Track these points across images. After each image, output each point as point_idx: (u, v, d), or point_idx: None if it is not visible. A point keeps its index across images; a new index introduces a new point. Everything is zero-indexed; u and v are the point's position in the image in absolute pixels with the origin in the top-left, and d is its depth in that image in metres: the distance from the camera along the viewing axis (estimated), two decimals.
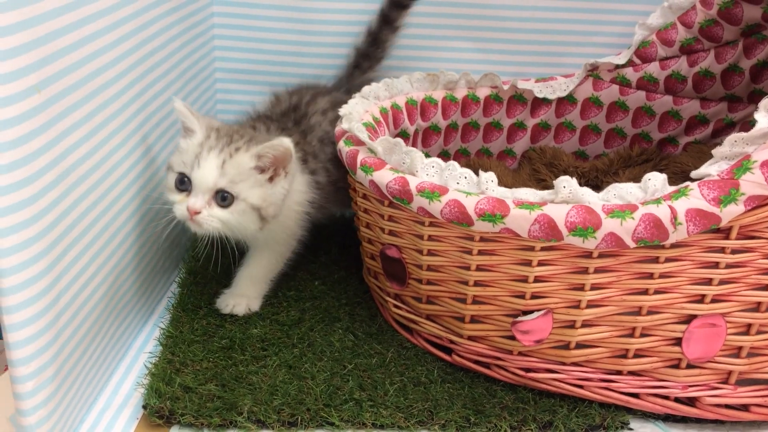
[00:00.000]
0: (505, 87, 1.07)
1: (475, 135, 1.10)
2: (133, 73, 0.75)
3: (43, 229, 0.58)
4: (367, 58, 1.07)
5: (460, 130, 1.08)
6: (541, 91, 1.07)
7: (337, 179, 0.92)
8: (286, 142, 0.76)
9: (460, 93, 1.06)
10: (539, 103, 1.09)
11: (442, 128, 1.06)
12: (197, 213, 0.75)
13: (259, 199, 0.77)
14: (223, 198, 0.75)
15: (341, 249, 1.04)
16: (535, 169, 1.08)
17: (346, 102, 0.90)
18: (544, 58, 1.11)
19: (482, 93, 1.07)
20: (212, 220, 0.75)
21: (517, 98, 1.08)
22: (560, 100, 1.08)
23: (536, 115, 1.10)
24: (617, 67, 1.05)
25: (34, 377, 0.59)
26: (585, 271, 0.69)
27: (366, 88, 0.95)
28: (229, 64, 1.11)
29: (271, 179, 0.78)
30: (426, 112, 1.03)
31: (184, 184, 0.76)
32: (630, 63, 1.05)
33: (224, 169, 0.75)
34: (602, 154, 1.11)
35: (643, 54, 1.03)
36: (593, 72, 1.07)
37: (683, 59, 1.02)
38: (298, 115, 0.93)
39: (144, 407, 0.71)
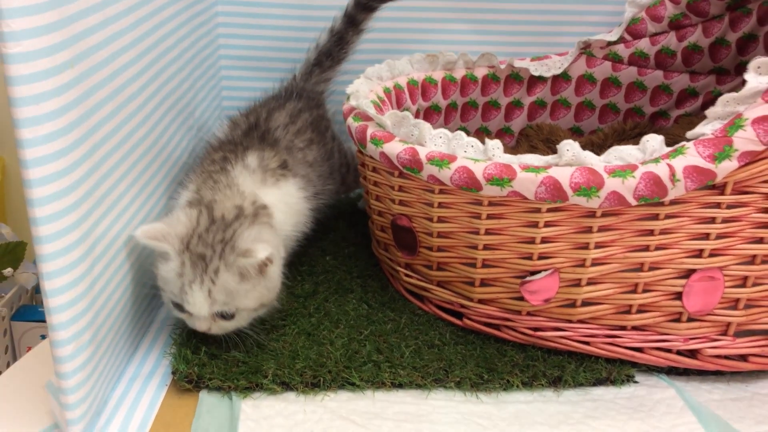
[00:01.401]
0: (502, 66, 1.11)
1: (474, 114, 1.14)
2: (148, 57, 0.78)
3: (78, 199, 0.61)
4: (329, 58, 1.06)
5: (460, 109, 1.12)
6: (536, 69, 1.11)
7: (316, 183, 0.92)
8: (260, 255, 0.71)
9: (459, 73, 1.10)
10: (535, 81, 1.13)
11: (443, 108, 1.10)
12: (208, 330, 0.75)
13: (257, 300, 0.75)
14: (224, 316, 0.74)
15: (349, 226, 1.07)
16: (533, 146, 1.12)
17: (301, 110, 0.94)
18: (539, 38, 1.15)
19: (480, 73, 1.11)
20: (224, 329, 0.75)
21: (514, 77, 1.12)
22: (555, 78, 1.12)
23: (532, 93, 1.14)
24: (609, 44, 1.09)
25: (73, 341, 0.62)
26: (589, 230, 0.73)
27: (369, 69, 0.99)
28: (233, 51, 1.15)
29: (261, 272, 0.74)
30: (427, 92, 1.07)
31: (182, 308, 0.74)
32: (621, 40, 1.09)
33: (213, 297, 0.72)
34: (597, 129, 1.15)
35: (633, 30, 1.07)
36: (586, 49, 1.10)
37: (672, 34, 1.06)
38: (259, 132, 0.90)
39: (173, 373, 0.74)
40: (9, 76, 0.53)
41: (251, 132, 0.90)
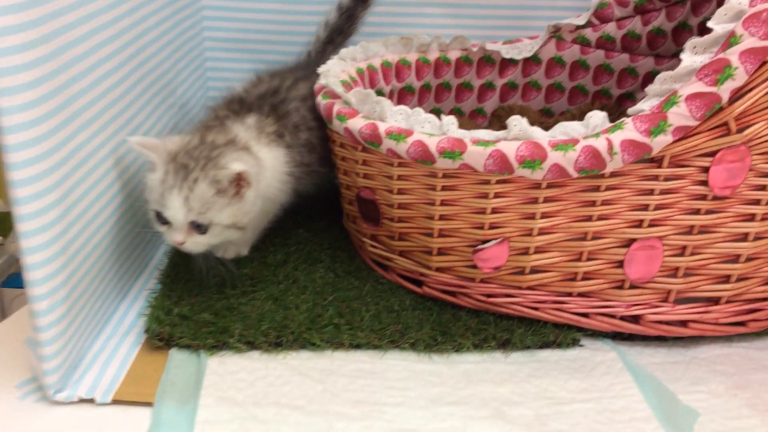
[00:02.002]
0: (475, 49, 1.15)
1: (448, 95, 1.18)
2: (127, 36, 0.83)
3: (54, 164, 0.66)
4: (340, 33, 1.09)
5: (434, 90, 1.16)
6: (508, 52, 1.15)
7: (309, 162, 0.95)
8: (233, 168, 0.79)
9: (433, 55, 1.14)
10: (507, 63, 1.17)
11: (416, 89, 1.14)
12: (182, 243, 0.81)
13: (231, 218, 0.81)
14: (198, 227, 0.80)
15: (324, 202, 1.12)
16: (504, 127, 1.16)
17: None
18: (511, 22, 1.20)
19: (453, 55, 1.15)
20: (197, 245, 0.82)
21: (486, 60, 1.16)
22: (526, 61, 1.17)
23: (504, 76, 1.18)
24: (578, 27, 1.13)
25: (48, 297, 0.68)
26: (535, 201, 0.78)
27: (343, 51, 1.03)
28: (218, 34, 1.19)
29: (237, 194, 0.81)
30: (400, 74, 1.11)
31: (162, 218, 0.80)
32: (589, 24, 1.12)
33: (189, 204, 0.78)
34: (566, 110, 1.19)
35: (601, 15, 1.11)
36: (556, 33, 1.14)
37: (637, 19, 1.10)
38: (276, 99, 0.94)
39: (146, 331, 0.80)
40: None
41: (267, 97, 0.94)
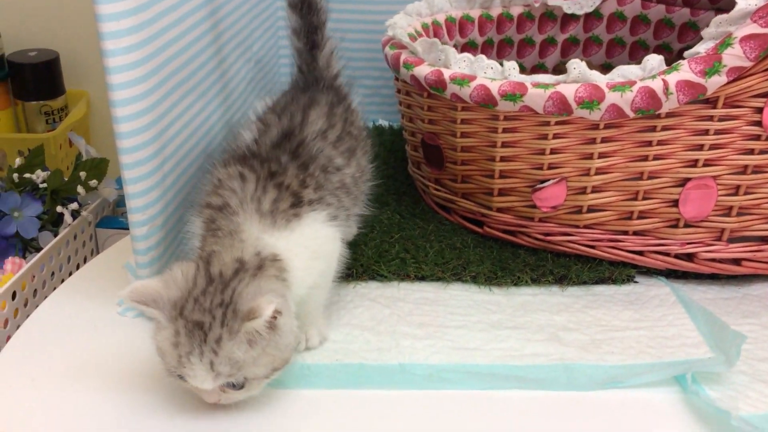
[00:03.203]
0: (537, 5, 1.18)
1: (510, 51, 1.22)
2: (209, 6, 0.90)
3: (150, 104, 0.74)
4: (315, 29, 0.87)
5: (496, 46, 1.20)
6: (569, 7, 1.18)
7: (348, 206, 0.79)
8: (266, 311, 0.59)
9: (495, 11, 1.18)
10: (568, 19, 1.20)
11: (479, 44, 1.18)
12: (218, 402, 0.65)
13: (269, 365, 0.63)
14: (233, 386, 0.63)
15: (389, 152, 1.18)
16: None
17: (336, 103, 0.83)
18: None
19: (516, 11, 1.19)
20: (237, 399, 0.65)
21: (548, 15, 1.20)
22: (588, 16, 1.19)
23: (566, 31, 1.21)
24: None
25: (147, 223, 0.76)
26: (593, 141, 0.81)
27: (409, 6, 1.08)
28: None
29: (270, 328, 0.62)
30: (464, 29, 1.15)
31: (186, 380, 0.63)
32: None
33: (216, 369, 0.60)
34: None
35: None
36: None
37: None
38: (293, 144, 0.75)
39: None
40: (98, 14, 0.66)
41: (283, 144, 0.75)
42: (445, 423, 0.66)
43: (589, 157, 0.82)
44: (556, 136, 0.82)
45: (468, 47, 1.17)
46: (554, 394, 0.69)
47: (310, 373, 0.71)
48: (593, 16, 1.19)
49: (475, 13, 1.16)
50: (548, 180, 0.85)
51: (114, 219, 1.10)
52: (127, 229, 0.78)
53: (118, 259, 0.90)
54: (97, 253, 1.09)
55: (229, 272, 0.63)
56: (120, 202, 1.14)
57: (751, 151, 0.80)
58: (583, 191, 0.85)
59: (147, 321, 0.79)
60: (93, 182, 1.07)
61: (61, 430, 0.64)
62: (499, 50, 1.21)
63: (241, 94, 1.04)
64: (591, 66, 1.19)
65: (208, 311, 0.61)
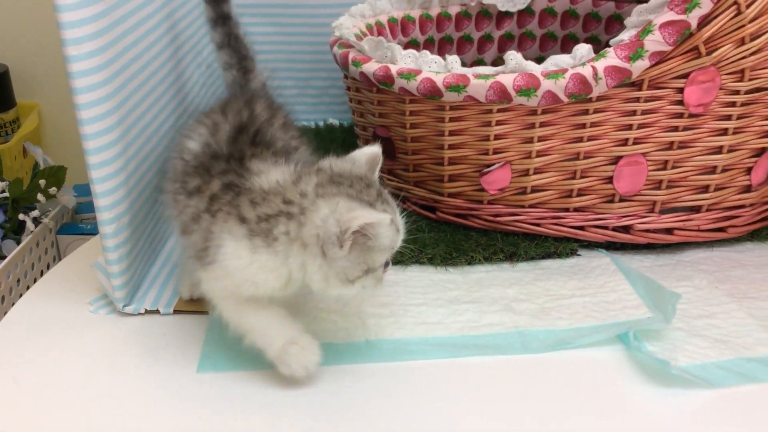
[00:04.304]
0: (473, 4, 1.25)
1: (450, 48, 1.28)
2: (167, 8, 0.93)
3: (114, 106, 0.77)
4: (235, 51, 0.89)
5: (437, 44, 1.26)
6: (503, 5, 1.25)
7: None
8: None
9: (435, 11, 1.24)
10: (503, 16, 1.27)
11: (421, 43, 1.24)
12: None
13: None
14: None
15: (341, 149, 1.22)
16: None
17: (271, 107, 0.81)
18: None
19: (453, 10, 1.25)
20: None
21: (484, 13, 1.26)
22: (521, 13, 1.27)
23: (501, 28, 1.28)
24: None
25: (115, 221, 0.78)
26: (532, 126, 0.88)
27: (353, 8, 1.13)
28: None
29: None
30: (406, 29, 1.21)
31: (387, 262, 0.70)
32: None
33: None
34: None
35: None
36: None
37: None
38: (249, 134, 0.76)
39: None
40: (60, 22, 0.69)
41: (239, 136, 0.75)
42: (412, 390, 0.71)
43: (530, 141, 0.89)
44: (498, 123, 0.88)
45: (411, 46, 1.23)
46: (510, 358, 0.75)
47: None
48: (526, 13, 1.26)
49: (416, 14, 1.22)
50: (494, 164, 0.91)
51: (74, 225, 1.12)
52: (88, 234, 0.81)
53: (83, 262, 0.92)
54: (59, 259, 1.11)
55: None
56: (79, 208, 1.16)
57: (676, 128, 0.87)
58: (526, 173, 0.91)
59: (120, 317, 0.82)
60: (52, 190, 1.08)
61: (46, 424, 0.67)
62: (440, 48, 1.27)
63: (195, 98, 1.08)
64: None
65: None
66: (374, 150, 0.72)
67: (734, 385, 0.70)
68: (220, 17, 0.90)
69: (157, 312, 0.82)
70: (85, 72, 0.72)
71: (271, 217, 0.66)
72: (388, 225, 0.65)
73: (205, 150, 0.75)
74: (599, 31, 1.26)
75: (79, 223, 1.13)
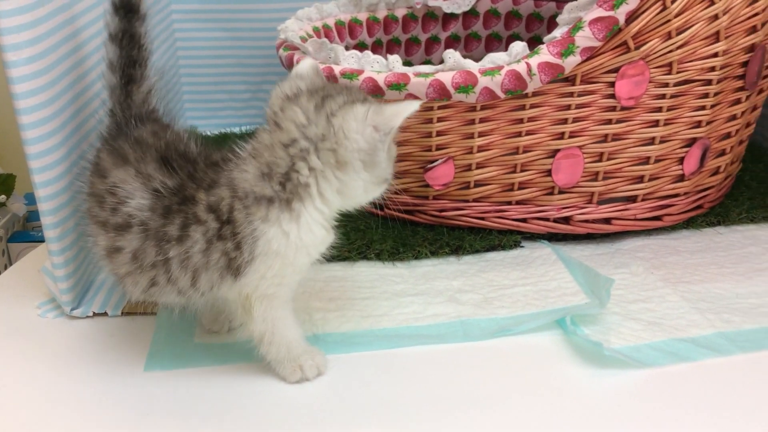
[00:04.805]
0: (419, 6, 1.28)
1: (398, 50, 1.30)
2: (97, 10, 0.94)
3: (57, 110, 0.77)
4: (135, 64, 0.77)
5: (385, 46, 1.29)
6: (448, 7, 1.28)
7: None
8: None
9: (381, 14, 1.26)
10: (449, 18, 1.30)
11: (369, 45, 1.26)
12: None
13: None
14: None
15: None
16: None
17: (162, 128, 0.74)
18: None
19: (400, 13, 1.28)
20: None
21: (430, 15, 1.29)
22: (466, 14, 1.30)
23: (447, 29, 1.31)
24: None
25: (60, 225, 0.79)
26: (473, 122, 0.90)
27: (300, 12, 1.15)
28: (184, 6, 1.30)
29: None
30: (353, 32, 1.23)
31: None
32: None
33: None
34: None
35: None
36: None
37: None
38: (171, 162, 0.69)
39: None
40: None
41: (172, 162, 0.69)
42: (359, 381, 0.73)
43: (471, 136, 0.91)
44: (440, 120, 0.91)
45: (359, 48, 1.25)
46: (453, 346, 0.77)
47: (234, 349, 0.77)
48: (471, 15, 1.29)
49: (363, 16, 1.24)
50: (437, 160, 0.93)
51: (25, 233, 1.11)
52: (39, 242, 0.81)
53: (32, 268, 0.92)
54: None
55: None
56: (30, 216, 1.16)
57: (609, 121, 0.90)
58: (468, 168, 0.94)
59: (69, 320, 0.82)
60: (2, 198, 1.08)
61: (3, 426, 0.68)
62: (388, 50, 1.29)
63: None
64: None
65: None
66: (308, 62, 0.72)
67: (666, 364, 0.73)
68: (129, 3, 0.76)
69: (105, 315, 0.83)
70: (24, 77, 0.73)
71: (286, 172, 0.65)
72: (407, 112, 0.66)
73: (155, 195, 0.66)
74: (542, 30, 1.29)
75: (30, 231, 1.12)
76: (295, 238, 0.66)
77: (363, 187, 0.68)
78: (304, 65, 0.72)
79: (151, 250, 0.65)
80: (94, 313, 0.83)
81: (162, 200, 0.66)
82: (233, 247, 0.65)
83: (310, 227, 0.67)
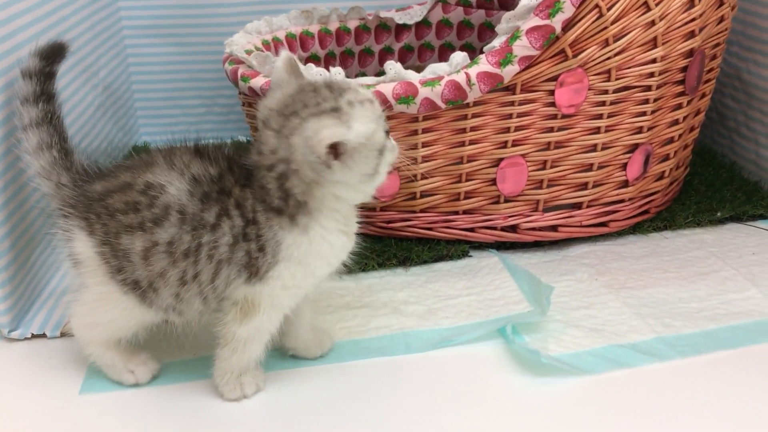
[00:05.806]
0: (371, 18, 1.28)
1: (352, 61, 1.30)
2: (47, 21, 0.93)
3: None
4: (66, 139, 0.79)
5: (338, 58, 1.29)
6: (401, 18, 1.28)
7: None
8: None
9: (333, 26, 1.26)
10: (401, 29, 1.30)
11: (321, 57, 1.26)
12: None
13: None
14: None
15: None
16: None
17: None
18: None
19: (352, 24, 1.28)
20: None
21: (383, 26, 1.29)
22: (418, 25, 1.30)
23: (400, 40, 1.31)
24: None
25: None
26: (416, 132, 0.90)
27: (248, 25, 1.15)
28: (135, 22, 1.29)
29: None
30: (305, 44, 1.23)
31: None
32: None
33: None
34: None
35: None
36: None
37: None
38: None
39: None
40: None
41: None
42: (297, 398, 0.72)
43: (414, 147, 0.91)
44: None
45: (312, 60, 1.25)
46: (394, 359, 0.77)
47: (171, 369, 0.76)
48: (424, 25, 1.30)
49: (314, 29, 1.24)
50: None
51: None
52: None
53: None
54: None
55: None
56: None
57: (551, 129, 0.91)
58: (413, 178, 0.94)
59: (6, 342, 0.81)
60: None
61: None
62: (341, 61, 1.29)
63: (90, 119, 1.07)
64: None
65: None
66: (284, 57, 0.72)
67: (605, 370, 0.73)
68: (45, 94, 0.79)
69: (44, 336, 0.82)
70: None
71: (282, 190, 0.66)
72: (362, 130, 0.63)
73: (194, 182, 0.68)
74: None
75: None
76: (311, 248, 0.68)
77: (353, 189, 0.68)
78: (279, 66, 0.72)
79: (186, 236, 0.66)
80: (32, 334, 0.82)
81: (202, 186, 0.67)
82: (257, 249, 0.66)
83: (324, 237, 0.68)
